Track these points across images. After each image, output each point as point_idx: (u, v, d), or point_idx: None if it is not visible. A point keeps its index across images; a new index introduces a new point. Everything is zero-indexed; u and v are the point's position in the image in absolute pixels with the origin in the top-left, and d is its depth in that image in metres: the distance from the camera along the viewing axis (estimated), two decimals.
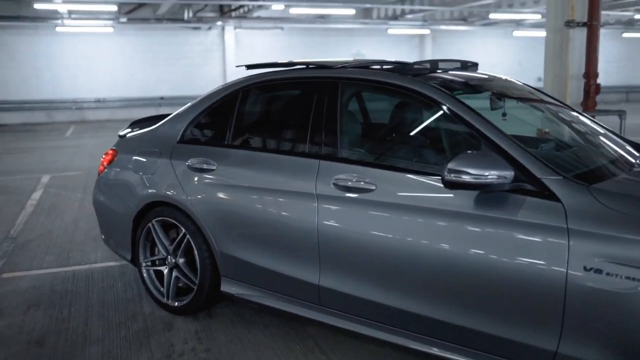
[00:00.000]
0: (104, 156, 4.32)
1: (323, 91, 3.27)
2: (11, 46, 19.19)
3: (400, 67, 3.31)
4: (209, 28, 21.14)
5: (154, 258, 3.95)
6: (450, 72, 3.40)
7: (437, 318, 2.71)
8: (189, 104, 4.02)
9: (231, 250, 3.48)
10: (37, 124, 19.09)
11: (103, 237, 4.37)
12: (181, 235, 3.73)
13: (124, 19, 19.08)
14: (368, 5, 19.00)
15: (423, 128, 3.32)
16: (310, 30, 22.27)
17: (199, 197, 3.57)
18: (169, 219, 3.78)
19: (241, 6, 18.11)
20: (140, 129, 4.46)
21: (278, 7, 17.66)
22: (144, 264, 3.99)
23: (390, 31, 22.58)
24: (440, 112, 2.90)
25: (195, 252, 3.65)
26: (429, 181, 2.78)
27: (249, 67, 3.96)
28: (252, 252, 3.39)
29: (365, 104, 4.05)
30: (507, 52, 25.93)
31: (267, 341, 3.47)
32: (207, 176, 3.58)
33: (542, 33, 24.78)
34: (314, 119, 3.23)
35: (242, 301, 3.56)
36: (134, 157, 4.00)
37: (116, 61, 20.49)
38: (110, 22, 18.94)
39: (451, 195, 2.66)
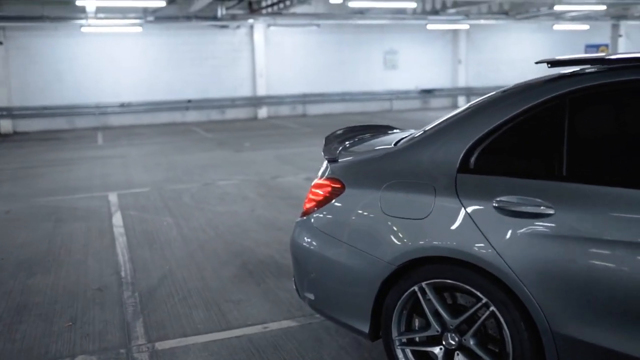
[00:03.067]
0: (316, 190, 3.17)
1: None
2: (32, 49, 17.91)
3: None
4: (238, 27, 19.92)
5: (420, 335, 2.80)
6: None
7: None
8: (456, 115, 2.87)
9: (582, 333, 2.32)
10: (59, 131, 17.79)
11: (310, 297, 3.21)
12: (478, 305, 2.57)
13: (151, 18, 17.83)
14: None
15: None
16: (342, 28, 21.10)
17: (522, 253, 2.41)
18: (453, 281, 2.62)
19: (276, 2, 16.89)
20: (351, 146, 3.34)
21: None
22: (398, 342, 2.83)
23: (429, 26, 21.42)
24: None
25: (506, 331, 2.49)
26: None
27: (552, 64, 2.85)
28: (625, 338, 2.25)
29: None
30: (542, 47, 24.86)
31: None
32: (538, 224, 2.41)
33: (583, 26, 24.19)
34: None
35: None
36: (384, 193, 2.84)
37: (140, 62, 19.24)
38: (138, 20, 17.68)
39: None
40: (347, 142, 3.49)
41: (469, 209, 2.56)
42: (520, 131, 2.63)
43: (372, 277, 2.84)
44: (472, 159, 2.66)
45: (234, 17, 18.52)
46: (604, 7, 18.76)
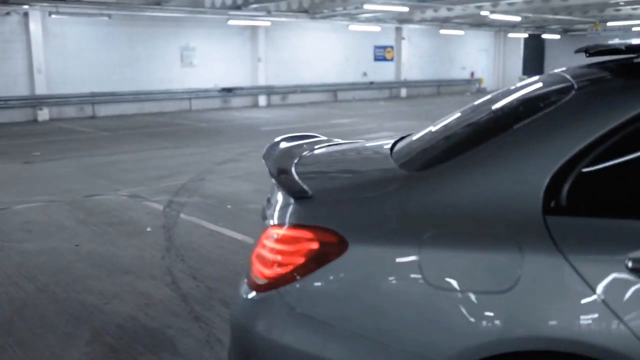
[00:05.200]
0: (283, 247, 1.95)
1: None
2: None
3: None
4: (8, 13, 16.82)
5: None
6: None
7: None
8: (509, 116, 1.91)
9: None
10: None
11: None
12: None
13: None
14: None
15: None
16: (135, 20, 19.05)
17: None
18: None
19: None
20: (310, 167, 2.24)
21: None
22: None
23: (231, 22, 20.35)
24: None
25: None
26: None
27: (590, 52, 2.21)
28: None
29: None
30: (337, 47, 25.34)
31: None
32: None
33: (375, 28, 25.06)
34: None
35: None
36: (426, 252, 1.74)
37: None
38: None
39: None
40: (296, 162, 2.37)
41: (585, 273, 1.62)
42: (624, 148, 1.77)
43: None
44: (565, 194, 1.72)
45: (3, 1, 15.54)
46: (405, 9, 19.46)
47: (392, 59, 27.88)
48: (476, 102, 2.56)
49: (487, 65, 32.96)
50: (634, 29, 26.40)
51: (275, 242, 1.98)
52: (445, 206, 1.81)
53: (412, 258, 1.76)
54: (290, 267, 1.92)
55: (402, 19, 25.47)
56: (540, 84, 2.33)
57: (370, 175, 2.15)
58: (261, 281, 1.98)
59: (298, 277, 1.90)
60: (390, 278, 1.79)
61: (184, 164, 9.53)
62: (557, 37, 33.69)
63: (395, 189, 1.91)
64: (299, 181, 2.09)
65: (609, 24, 25.60)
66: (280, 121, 16.54)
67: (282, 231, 1.97)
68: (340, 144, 2.93)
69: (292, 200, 2.01)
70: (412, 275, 1.76)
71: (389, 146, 2.50)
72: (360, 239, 1.84)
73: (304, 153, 2.57)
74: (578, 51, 2.45)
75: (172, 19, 19.88)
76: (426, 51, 29.42)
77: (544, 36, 33.95)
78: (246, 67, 22.75)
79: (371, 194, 1.93)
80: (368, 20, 24.29)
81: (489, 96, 2.57)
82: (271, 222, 2.05)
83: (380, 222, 1.86)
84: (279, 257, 1.96)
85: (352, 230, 1.86)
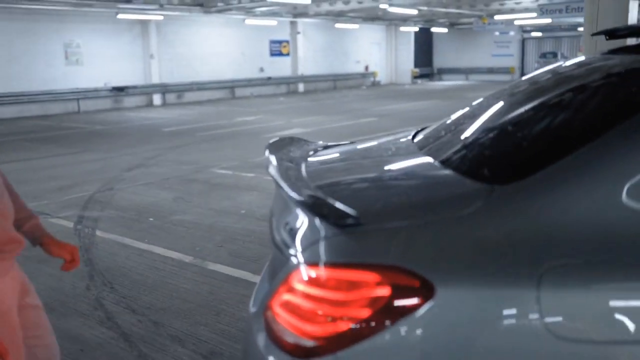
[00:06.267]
0: (328, 294, 1.43)
1: None
2: None
3: None
4: None
5: None
6: None
7: None
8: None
9: None
10: None
11: None
12: None
13: None
14: None
15: None
16: (12, 13, 17.31)
17: None
18: None
19: None
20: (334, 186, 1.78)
21: None
22: None
23: (120, 16, 19.01)
24: None
25: None
26: None
27: (610, 35, 2.03)
28: None
29: None
30: (233, 42, 24.57)
31: None
32: None
33: (271, 22, 24.42)
34: None
35: None
36: (549, 295, 1.29)
37: None
38: None
39: None
40: (315, 174, 1.87)
41: None
42: None
43: None
44: None
45: None
46: (303, 1, 19.06)
47: (288, 54, 27.49)
48: (511, 89, 2.16)
49: (380, 59, 33.41)
50: (515, 22, 27.71)
51: (318, 288, 1.46)
52: (563, 229, 1.37)
53: (530, 302, 1.31)
54: (349, 323, 1.41)
55: (297, 13, 25.13)
56: (600, 70, 1.95)
57: (430, 190, 1.67)
58: (307, 342, 1.46)
59: (363, 336, 1.39)
60: (500, 331, 1.33)
61: (86, 172, 8.56)
62: (445, 30, 34.83)
63: (482, 210, 1.45)
64: (340, 203, 1.58)
65: (496, 17, 26.71)
66: (182, 121, 15.62)
67: (328, 272, 1.45)
68: (343, 145, 2.42)
69: (333, 230, 1.50)
70: (531, 329, 1.31)
71: (420, 148, 2.04)
72: (450, 280, 1.37)
73: (314, 162, 2.06)
74: (595, 34, 2.15)
75: (55, 13, 18.28)
76: (321, 45, 29.31)
77: (433, 30, 34.99)
78: (138, 65, 21.45)
79: (448, 217, 1.46)
80: (264, 15, 23.73)
81: (526, 82, 2.18)
82: (301, 259, 1.52)
83: (475, 254, 1.39)
84: (328, 309, 1.45)
85: (436, 268, 1.38)
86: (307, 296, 1.47)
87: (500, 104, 2.04)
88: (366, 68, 31.98)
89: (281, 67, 27.03)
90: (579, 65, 2.10)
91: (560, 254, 1.34)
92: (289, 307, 1.52)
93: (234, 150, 10.27)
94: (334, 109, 18.10)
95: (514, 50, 35.54)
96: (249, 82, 24.84)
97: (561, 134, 1.60)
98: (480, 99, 2.31)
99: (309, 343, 1.44)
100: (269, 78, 25.82)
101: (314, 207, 1.59)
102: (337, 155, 2.23)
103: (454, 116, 2.28)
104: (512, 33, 34.28)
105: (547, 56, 33.92)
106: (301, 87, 27.43)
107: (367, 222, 1.48)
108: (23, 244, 2.01)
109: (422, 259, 1.40)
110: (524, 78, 2.26)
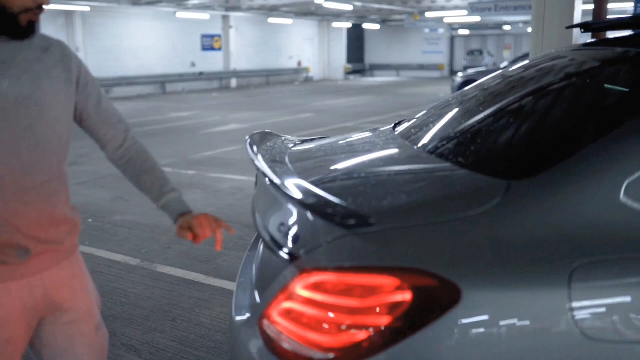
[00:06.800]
0: (338, 300, 1.29)
1: None
2: None
3: None
4: None
5: None
6: None
7: None
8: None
9: None
10: None
11: None
12: None
13: None
14: None
15: None
16: None
17: None
18: None
19: None
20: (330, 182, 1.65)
21: None
22: None
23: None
24: None
25: None
26: None
27: (586, 28, 2.04)
28: None
29: None
30: (163, 36, 23.89)
31: None
32: None
33: (204, 15, 23.80)
34: None
35: None
36: (582, 294, 1.21)
37: None
38: None
39: None
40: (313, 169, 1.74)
41: None
42: None
43: None
44: None
45: None
46: None
47: (220, 49, 27.00)
48: (502, 75, 2.09)
49: (313, 54, 33.39)
50: (445, 20, 28.31)
51: (327, 294, 1.33)
52: (590, 223, 1.29)
53: (561, 300, 1.22)
54: (367, 332, 1.29)
55: (230, 7, 24.71)
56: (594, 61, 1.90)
57: (440, 186, 1.56)
58: (321, 355, 1.31)
59: (383, 346, 1.27)
60: (531, 334, 1.24)
61: None
62: (377, 27, 35.21)
63: (501, 206, 1.35)
64: (344, 201, 1.44)
65: (427, 14, 27.18)
66: None
67: (338, 277, 1.32)
68: (321, 139, 2.29)
69: (340, 230, 1.36)
70: (565, 325, 1.22)
71: (411, 141, 1.93)
72: (475, 282, 1.26)
73: (300, 157, 1.91)
74: (569, 27, 2.14)
75: None
76: (254, 40, 28.97)
77: (365, 26, 35.29)
78: None
79: (467, 214, 1.35)
80: (195, 8, 23.18)
81: (517, 69, 2.12)
82: (305, 262, 1.38)
83: (500, 254, 1.29)
84: (340, 317, 1.31)
85: (459, 269, 1.28)
86: (314, 303, 1.33)
87: (495, 95, 1.96)
88: (299, 64, 31.88)
89: (213, 62, 26.52)
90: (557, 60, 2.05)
91: (591, 250, 1.26)
92: (291, 315, 1.37)
93: (171, 147, 9.91)
94: (269, 105, 17.89)
95: (444, 47, 36.40)
96: (181, 77, 24.22)
97: (558, 133, 1.54)
98: (467, 89, 2.23)
99: (326, 356, 1.30)
100: (201, 73, 25.28)
101: (316, 206, 1.45)
102: (322, 150, 2.10)
103: (435, 109, 2.20)
104: (441, 31, 35.05)
105: (474, 53, 35.02)
106: (234, 82, 27.02)
107: (378, 222, 1.36)
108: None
109: (443, 260, 1.29)
110: (514, 67, 2.19)
